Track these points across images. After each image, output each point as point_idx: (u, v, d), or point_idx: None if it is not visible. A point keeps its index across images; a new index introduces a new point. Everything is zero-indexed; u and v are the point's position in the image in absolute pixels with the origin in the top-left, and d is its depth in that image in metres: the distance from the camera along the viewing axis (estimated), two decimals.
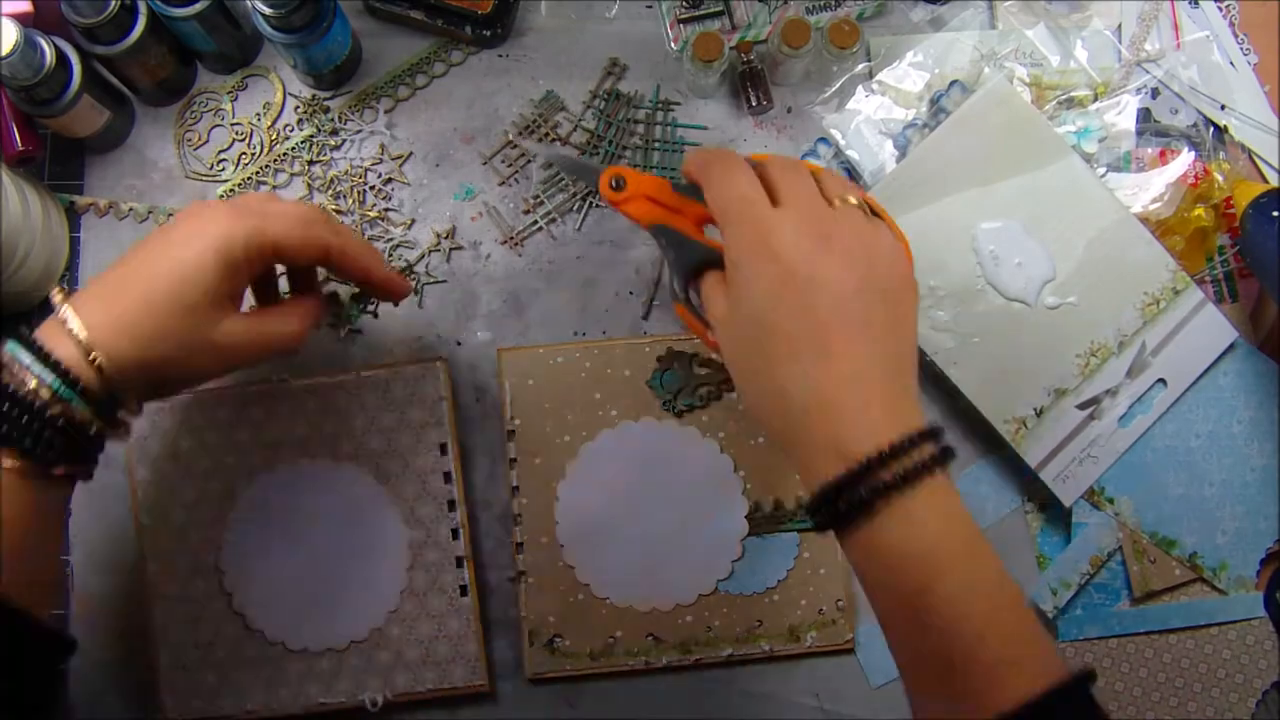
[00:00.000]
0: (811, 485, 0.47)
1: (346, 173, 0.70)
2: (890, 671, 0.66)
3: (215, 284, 0.51)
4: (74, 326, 0.48)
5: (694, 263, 0.55)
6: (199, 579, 0.64)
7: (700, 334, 0.57)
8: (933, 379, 0.68)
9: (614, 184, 0.57)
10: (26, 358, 0.48)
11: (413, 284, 0.65)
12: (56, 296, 0.50)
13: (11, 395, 0.47)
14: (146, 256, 0.51)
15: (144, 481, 0.65)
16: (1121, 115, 0.70)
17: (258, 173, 0.70)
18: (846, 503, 0.45)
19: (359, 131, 0.71)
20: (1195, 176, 0.69)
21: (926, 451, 0.45)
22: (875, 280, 0.48)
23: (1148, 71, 0.71)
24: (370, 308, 0.68)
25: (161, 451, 0.65)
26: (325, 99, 0.71)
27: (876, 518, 0.45)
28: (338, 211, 0.70)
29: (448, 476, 0.65)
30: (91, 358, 0.48)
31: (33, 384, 0.47)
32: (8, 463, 0.47)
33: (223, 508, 0.65)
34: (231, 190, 0.70)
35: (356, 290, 0.64)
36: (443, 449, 0.65)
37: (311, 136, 0.70)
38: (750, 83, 0.70)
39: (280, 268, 0.59)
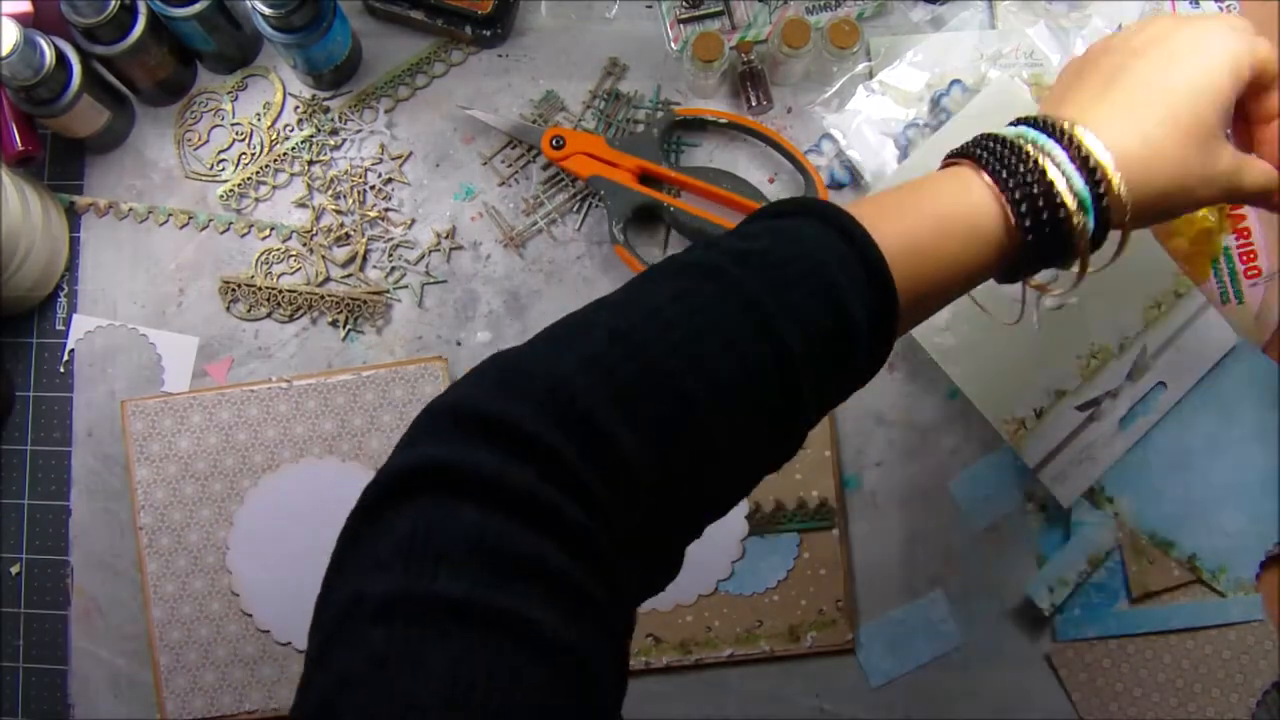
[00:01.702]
0: None
1: (346, 173, 0.70)
2: (890, 671, 0.66)
3: (1228, 109, 0.47)
4: (1096, 147, 0.44)
5: (629, 208, 0.66)
6: (199, 578, 0.64)
7: (639, 271, 0.60)
8: (933, 378, 0.68)
9: (554, 143, 0.66)
10: (1059, 154, 0.44)
11: None
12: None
13: (1044, 191, 0.43)
14: (1154, 74, 0.46)
15: (144, 481, 0.65)
16: None
17: (258, 173, 0.70)
18: None
19: (359, 131, 0.71)
20: None
21: None
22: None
23: None
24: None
25: (161, 451, 0.65)
26: (325, 99, 0.71)
27: None
28: (338, 211, 0.70)
29: None
30: (1117, 178, 0.44)
31: (1060, 183, 0.43)
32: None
33: (224, 508, 0.65)
34: (231, 190, 0.70)
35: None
36: None
37: (311, 136, 0.70)
38: (750, 83, 0.70)
39: None
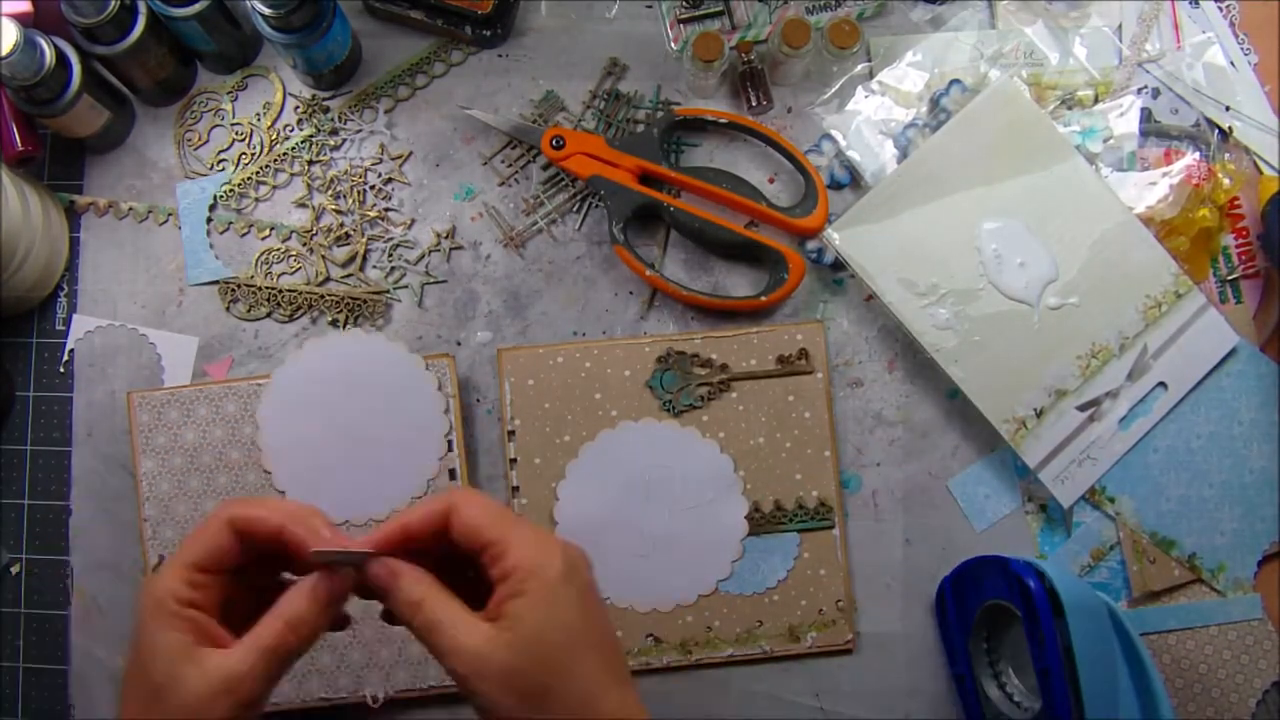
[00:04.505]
0: None
1: (346, 173, 0.70)
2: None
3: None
4: None
5: (630, 208, 0.66)
6: None
7: (639, 271, 0.67)
8: (933, 378, 0.68)
9: (554, 143, 0.67)
10: None
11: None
12: None
13: None
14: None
15: (148, 473, 0.65)
16: (1124, 116, 0.69)
17: (257, 173, 0.70)
18: None
19: (359, 131, 0.71)
20: (1199, 178, 0.69)
21: None
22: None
23: (1149, 73, 0.70)
24: None
25: (167, 444, 0.65)
26: (325, 99, 0.71)
27: None
28: (338, 211, 0.70)
29: (453, 473, 0.65)
30: None
31: None
32: None
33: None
34: (232, 190, 0.70)
35: None
36: (449, 445, 0.65)
37: (311, 136, 0.70)
38: (750, 83, 0.70)
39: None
